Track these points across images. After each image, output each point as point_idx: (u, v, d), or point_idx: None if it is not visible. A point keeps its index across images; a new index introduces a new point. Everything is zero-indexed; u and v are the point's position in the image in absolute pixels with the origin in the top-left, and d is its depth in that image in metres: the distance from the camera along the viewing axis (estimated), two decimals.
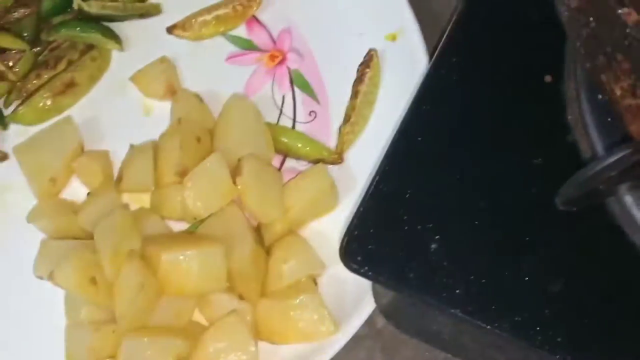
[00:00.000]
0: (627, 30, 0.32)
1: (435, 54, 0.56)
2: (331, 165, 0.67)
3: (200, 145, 0.66)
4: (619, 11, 0.32)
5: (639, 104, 0.35)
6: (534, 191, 0.51)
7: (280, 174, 0.67)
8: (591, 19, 0.35)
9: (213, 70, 0.71)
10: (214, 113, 0.69)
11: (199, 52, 0.72)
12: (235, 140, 0.66)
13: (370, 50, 0.70)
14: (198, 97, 0.69)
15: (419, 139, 0.54)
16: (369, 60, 0.70)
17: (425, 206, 0.52)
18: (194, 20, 0.72)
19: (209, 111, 0.68)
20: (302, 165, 0.68)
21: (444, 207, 0.53)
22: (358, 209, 0.53)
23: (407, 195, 0.53)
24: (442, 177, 0.53)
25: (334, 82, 0.70)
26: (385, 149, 0.55)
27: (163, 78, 0.69)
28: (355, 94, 0.69)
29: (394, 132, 0.55)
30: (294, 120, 0.70)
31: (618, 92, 0.36)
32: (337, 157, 0.68)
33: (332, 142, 0.69)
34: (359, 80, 0.69)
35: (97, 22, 0.71)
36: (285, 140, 0.68)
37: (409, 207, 0.52)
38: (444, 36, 0.58)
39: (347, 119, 0.69)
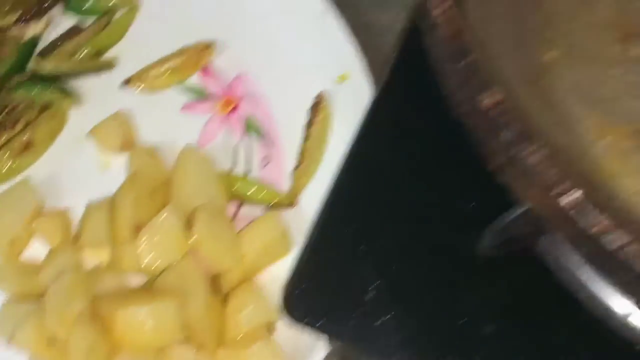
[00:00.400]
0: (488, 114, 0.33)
1: (371, 102, 0.58)
2: (286, 209, 0.69)
3: (155, 198, 0.68)
4: (478, 97, 0.33)
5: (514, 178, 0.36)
6: (469, 235, 0.53)
7: (233, 223, 0.68)
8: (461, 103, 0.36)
9: (168, 121, 0.73)
10: (170, 164, 0.71)
11: (155, 104, 0.74)
12: (188, 192, 0.68)
13: (319, 93, 0.71)
14: (153, 150, 0.71)
15: (357, 186, 0.56)
16: (318, 103, 0.71)
17: (363, 254, 0.54)
18: (148, 72, 0.74)
19: (164, 164, 0.70)
20: (258, 211, 0.70)
21: (381, 254, 0.54)
22: (297, 261, 0.55)
23: (345, 245, 0.54)
24: (379, 225, 0.55)
25: (287, 126, 0.72)
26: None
27: (119, 132, 0.71)
28: (306, 137, 0.71)
29: (332, 180, 0.57)
30: (249, 166, 0.71)
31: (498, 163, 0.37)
32: (291, 201, 0.70)
33: (286, 186, 0.71)
34: (310, 122, 0.71)
35: (52, 81, 0.73)
36: (239, 187, 0.70)
37: (347, 256, 0.54)
38: (382, 83, 0.59)
39: (299, 163, 0.71)
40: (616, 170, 0.45)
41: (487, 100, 0.33)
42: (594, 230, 0.31)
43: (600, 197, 0.33)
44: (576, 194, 0.31)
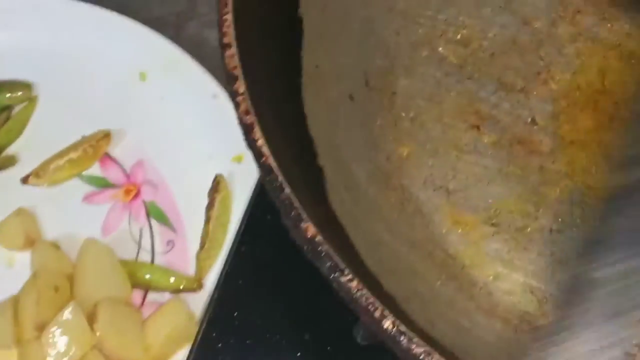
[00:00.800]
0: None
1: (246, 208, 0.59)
2: (192, 293, 0.70)
3: (59, 294, 0.68)
4: (296, 231, 0.34)
5: None
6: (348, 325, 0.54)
7: (138, 312, 0.69)
8: None
9: (70, 214, 0.74)
10: (74, 257, 0.71)
11: (56, 197, 0.75)
12: (91, 286, 0.69)
13: (217, 175, 0.73)
14: (55, 246, 0.71)
15: (243, 279, 0.57)
16: (216, 185, 0.73)
17: (251, 347, 0.55)
18: (48, 166, 0.75)
19: (67, 258, 0.71)
20: (164, 297, 0.71)
21: (268, 347, 0.55)
22: (188, 354, 0.56)
23: (232, 339, 0.56)
24: (264, 317, 0.56)
25: (189, 210, 0.73)
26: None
27: (21, 230, 0.72)
28: (208, 219, 0.72)
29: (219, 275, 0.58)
30: (153, 253, 0.72)
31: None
32: (197, 285, 0.71)
33: (191, 269, 0.72)
34: (210, 205, 0.73)
35: None
36: (144, 275, 0.71)
37: (234, 350, 0.55)
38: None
39: (202, 245, 0.72)
40: (472, 259, 0.46)
41: (302, 234, 0.34)
42: (412, 352, 0.32)
43: (414, 321, 0.35)
44: (387, 322, 0.33)
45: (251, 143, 0.38)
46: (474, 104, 0.49)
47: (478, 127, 0.49)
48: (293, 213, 0.35)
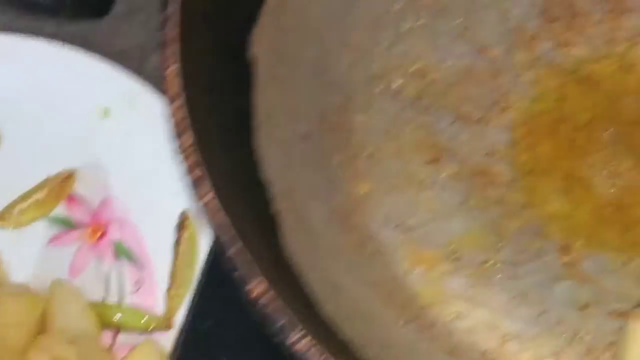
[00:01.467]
0: None
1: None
2: (163, 332, 0.70)
3: (26, 339, 0.68)
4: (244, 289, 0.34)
5: None
6: None
7: (109, 355, 0.69)
8: None
9: (37, 257, 0.74)
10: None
11: (22, 240, 0.74)
12: (60, 329, 0.68)
13: (183, 212, 0.72)
14: (22, 289, 0.71)
15: (209, 323, 0.57)
16: (183, 221, 0.73)
17: None
18: (13, 209, 0.74)
19: (36, 298, 0.70)
20: (135, 338, 0.70)
21: None
22: None
23: None
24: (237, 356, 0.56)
25: (156, 247, 0.73)
26: None
27: None
28: (175, 256, 0.72)
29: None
30: (122, 293, 0.72)
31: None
32: (168, 323, 0.70)
33: (160, 308, 0.71)
34: (177, 242, 0.72)
35: None
36: (113, 316, 0.71)
37: None
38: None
39: (171, 283, 0.71)
40: (432, 298, 0.46)
41: (251, 292, 0.34)
42: None
43: None
44: None
45: (199, 199, 0.38)
46: (431, 137, 0.49)
47: (437, 161, 0.49)
48: (237, 273, 0.35)
